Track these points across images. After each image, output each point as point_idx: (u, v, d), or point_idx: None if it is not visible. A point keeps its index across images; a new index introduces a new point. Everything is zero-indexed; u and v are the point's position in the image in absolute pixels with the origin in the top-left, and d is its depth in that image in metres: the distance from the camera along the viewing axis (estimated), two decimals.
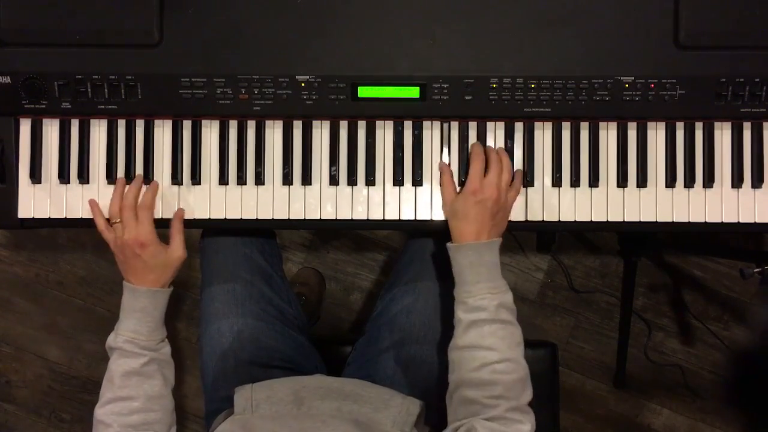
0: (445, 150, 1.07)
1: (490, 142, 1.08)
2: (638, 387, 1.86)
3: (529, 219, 1.08)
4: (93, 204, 1.06)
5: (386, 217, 1.08)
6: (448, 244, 1.00)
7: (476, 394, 0.90)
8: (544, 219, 1.08)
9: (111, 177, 1.08)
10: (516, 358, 0.93)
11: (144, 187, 1.06)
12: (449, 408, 0.95)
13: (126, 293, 1.01)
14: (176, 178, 1.08)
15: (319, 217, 1.08)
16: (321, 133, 1.08)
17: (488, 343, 0.92)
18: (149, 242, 1.01)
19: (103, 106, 1.05)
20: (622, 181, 1.07)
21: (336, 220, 1.08)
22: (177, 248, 1.04)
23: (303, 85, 1.04)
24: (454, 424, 0.91)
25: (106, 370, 0.99)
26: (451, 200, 1.01)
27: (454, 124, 1.08)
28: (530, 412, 0.91)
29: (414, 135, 1.07)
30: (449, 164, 1.07)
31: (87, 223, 1.08)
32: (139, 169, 1.08)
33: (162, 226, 1.05)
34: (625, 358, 1.79)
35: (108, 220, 1.04)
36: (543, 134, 1.08)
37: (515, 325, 0.95)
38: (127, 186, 1.05)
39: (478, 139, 1.07)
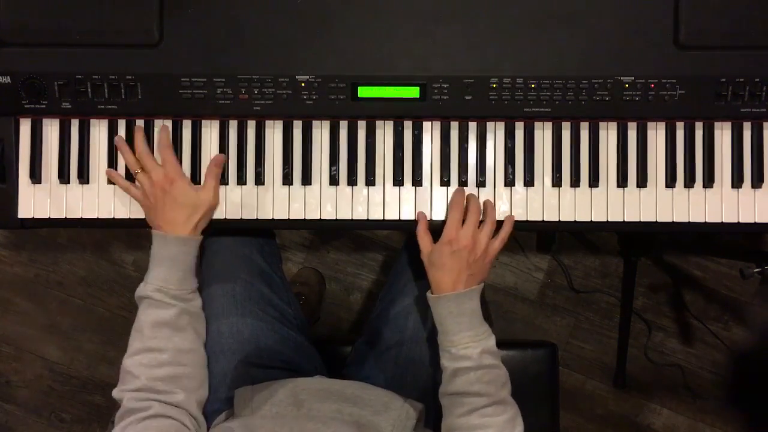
0: (445, 150, 1.07)
1: (489, 143, 1.08)
2: (638, 387, 1.86)
3: (529, 219, 1.07)
4: (110, 171, 1.07)
5: (386, 217, 1.08)
6: (428, 295, 1.01)
7: None
8: (544, 219, 1.08)
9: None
10: (503, 399, 0.95)
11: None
12: None
13: (155, 242, 1.01)
14: None
15: (319, 217, 1.08)
16: (321, 133, 1.08)
17: (475, 389, 0.93)
18: (177, 177, 1.02)
19: (103, 106, 1.05)
20: (622, 181, 1.07)
21: (336, 220, 1.08)
22: (208, 190, 1.03)
23: (303, 85, 1.04)
24: None
25: (135, 320, 0.99)
26: (428, 251, 1.02)
27: (454, 124, 1.08)
28: None
29: (414, 135, 1.07)
30: (449, 165, 1.07)
31: (87, 223, 1.08)
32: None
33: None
34: (625, 358, 1.79)
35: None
36: (543, 134, 1.08)
37: (500, 368, 0.97)
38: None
39: (477, 139, 1.07)
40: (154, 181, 1.01)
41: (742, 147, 1.07)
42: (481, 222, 1.03)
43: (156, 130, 1.08)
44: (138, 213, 1.07)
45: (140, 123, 1.07)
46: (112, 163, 1.08)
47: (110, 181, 1.08)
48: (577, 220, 1.08)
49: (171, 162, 1.03)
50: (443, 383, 0.98)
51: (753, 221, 1.07)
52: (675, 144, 1.07)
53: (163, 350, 0.96)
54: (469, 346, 0.95)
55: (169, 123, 1.08)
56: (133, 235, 1.90)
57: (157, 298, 0.97)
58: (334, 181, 1.08)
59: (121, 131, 1.08)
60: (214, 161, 1.05)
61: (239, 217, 1.08)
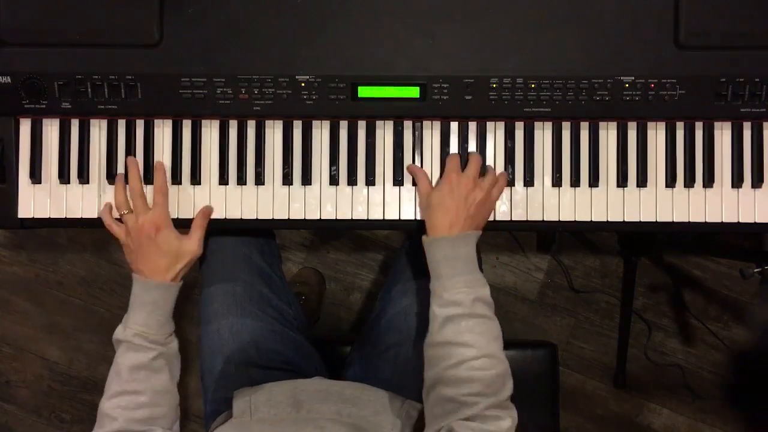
0: (445, 150, 1.07)
1: (490, 142, 1.08)
2: (638, 387, 1.86)
3: (529, 219, 1.08)
4: (104, 212, 1.06)
5: (386, 217, 1.08)
6: (423, 237, 0.99)
7: (454, 392, 0.87)
8: (544, 219, 1.08)
9: (111, 177, 1.07)
10: (494, 354, 0.89)
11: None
12: (426, 405, 0.92)
13: (136, 286, 1.00)
14: (176, 178, 1.08)
15: (319, 217, 1.08)
16: (321, 133, 1.08)
17: (465, 339, 0.89)
18: (164, 225, 1.01)
19: (103, 106, 1.05)
20: (622, 181, 1.07)
21: (336, 220, 1.08)
22: (193, 241, 1.04)
23: (303, 85, 1.04)
24: (432, 426, 0.88)
25: (112, 363, 0.98)
26: (427, 192, 1.02)
27: (454, 124, 1.08)
28: (511, 407, 0.88)
29: (414, 135, 1.07)
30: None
31: (87, 223, 1.08)
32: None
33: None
34: (625, 358, 1.79)
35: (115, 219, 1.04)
36: (543, 134, 1.08)
37: (493, 320, 0.93)
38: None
39: (478, 139, 1.07)
40: (140, 225, 1.01)
41: (742, 147, 1.07)
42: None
43: (156, 131, 1.08)
44: None
45: (140, 122, 1.08)
46: (112, 163, 1.08)
47: (110, 182, 1.08)
48: (577, 220, 1.08)
49: (162, 208, 1.03)
50: (431, 333, 0.93)
51: (753, 221, 1.07)
52: (675, 144, 1.07)
53: (141, 392, 0.96)
54: (461, 291, 0.92)
55: (169, 123, 1.08)
56: None
57: (136, 342, 0.97)
58: (334, 181, 1.08)
59: (121, 131, 1.08)
60: (202, 213, 1.05)
61: (239, 217, 1.08)
